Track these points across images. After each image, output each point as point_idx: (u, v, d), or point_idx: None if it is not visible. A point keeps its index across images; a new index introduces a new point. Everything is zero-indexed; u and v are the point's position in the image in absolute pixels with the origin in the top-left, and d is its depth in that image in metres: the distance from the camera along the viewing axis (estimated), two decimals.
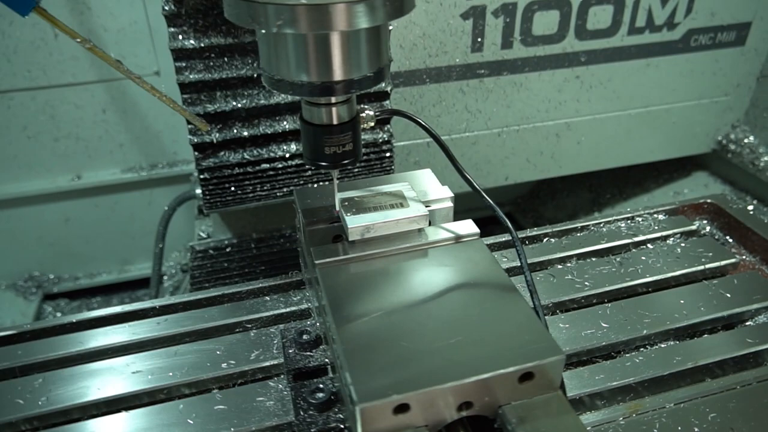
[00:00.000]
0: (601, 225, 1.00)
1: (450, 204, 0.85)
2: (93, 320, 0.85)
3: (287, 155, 1.17)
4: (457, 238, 0.79)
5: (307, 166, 1.21)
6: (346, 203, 0.80)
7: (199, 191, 1.40)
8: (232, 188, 1.17)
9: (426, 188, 0.86)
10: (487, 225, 1.62)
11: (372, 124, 0.78)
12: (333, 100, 0.70)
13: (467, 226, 0.80)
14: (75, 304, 1.69)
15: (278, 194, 1.20)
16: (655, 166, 1.78)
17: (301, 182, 1.22)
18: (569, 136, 1.55)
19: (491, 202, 0.80)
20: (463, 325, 0.66)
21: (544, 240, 0.98)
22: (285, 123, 1.17)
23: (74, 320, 0.85)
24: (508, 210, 1.98)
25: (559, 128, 1.53)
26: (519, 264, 0.91)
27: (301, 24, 0.61)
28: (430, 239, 0.78)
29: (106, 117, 1.49)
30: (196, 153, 1.14)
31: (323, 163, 0.74)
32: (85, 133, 1.50)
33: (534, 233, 0.98)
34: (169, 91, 0.90)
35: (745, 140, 1.62)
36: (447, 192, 0.85)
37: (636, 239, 0.96)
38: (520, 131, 1.51)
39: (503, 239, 0.97)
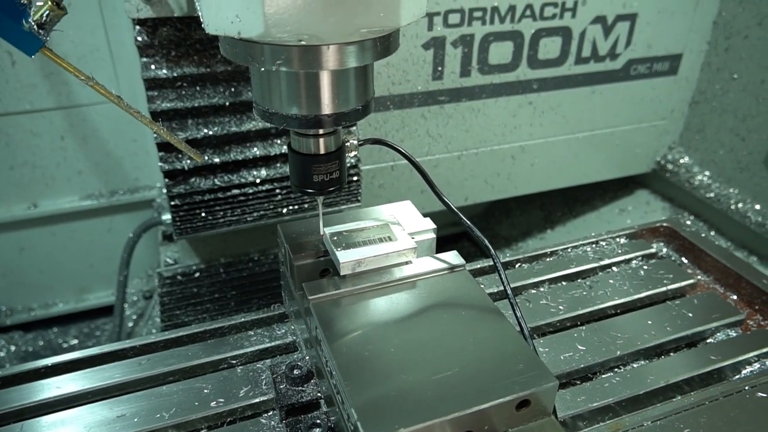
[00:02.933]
0: (569, 250, 1.02)
1: (433, 235, 0.85)
2: (69, 363, 0.80)
3: (257, 180, 1.17)
4: (444, 270, 0.79)
5: (277, 192, 1.20)
6: (335, 238, 0.79)
7: (166, 217, 1.37)
8: (203, 214, 1.16)
9: (408, 220, 0.86)
10: (447, 243, 1.63)
11: (355, 152, 0.79)
12: (321, 131, 0.72)
13: (453, 257, 0.81)
14: (30, 336, 1.60)
15: (248, 219, 1.20)
16: (601, 185, 1.84)
17: (271, 207, 1.22)
18: (523, 158, 1.59)
19: (472, 226, 0.81)
20: (459, 356, 0.67)
21: (517, 266, 1.00)
22: (255, 149, 1.17)
23: (49, 364, 0.80)
24: (464, 229, 2.00)
25: (514, 151, 1.57)
26: (498, 290, 0.93)
27: (297, 63, 0.62)
28: (419, 271, 0.78)
29: (64, 144, 1.43)
30: (167, 180, 1.12)
31: (311, 190, 0.75)
32: (42, 161, 1.43)
33: (507, 259, 0.99)
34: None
35: (681, 161, 1.70)
36: (429, 224, 0.86)
37: (602, 263, 0.99)
38: (478, 154, 1.54)
39: (479, 265, 0.98)
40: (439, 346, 0.68)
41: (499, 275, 0.78)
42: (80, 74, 0.65)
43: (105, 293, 1.67)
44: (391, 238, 0.80)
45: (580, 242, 1.04)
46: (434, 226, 0.86)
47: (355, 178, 1.28)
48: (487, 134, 1.52)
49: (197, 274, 1.31)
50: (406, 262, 0.80)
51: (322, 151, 0.73)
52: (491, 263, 0.99)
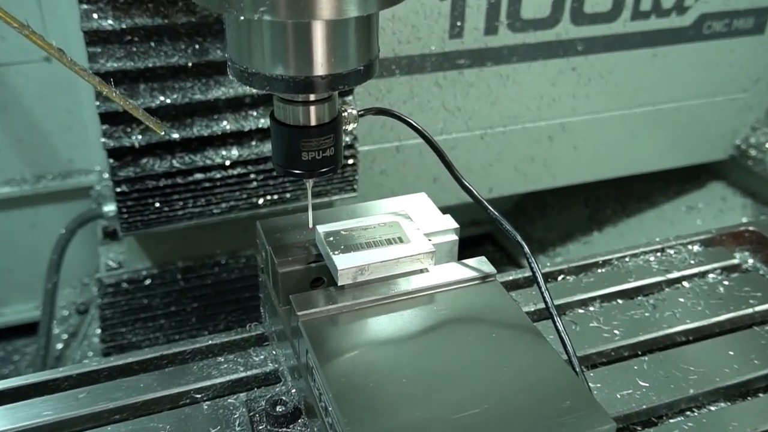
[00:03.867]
0: (626, 259, 1.03)
1: (454, 237, 0.86)
2: None
3: (227, 162, 1.17)
4: (470, 280, 0.80)
5: (252, 177, 1.20)
6: (331, 238, 0.80)
7: (108, 208, 1.37)
8: (157, 204, 1.16)
9: (423, 217, 0.86)
10: (466, 248, 1.63)
11: (355, 125, 0.81)
12: (313, 97, 0.73)
13: (481, 264, 0.82)
14: None
15: (215, 211, 1.20)
16: (662, 175, 1.83)
17: (244, 196, 1.22)
18: (564, 139, 1.58)
19: (502, 219, 0.82)
20: (489, 390, 0.67)
21: (559, 278, 0.99)
22: (225, 123, 1.17)
23: None
24: (487, 230, 2.01)
25: (552, 130, 1.57)
26: (535, 308, 0.94)
27: (285, 11, 0.63)
28: (438, 281, 0.79)
29: None
30: (112, 160, 1.12)
31: (298, 171, 0.76)
32: None
33: (547, 270, 0.99)
34: (66, 79, 0.87)
35: (767, 144, 1.71)
36: (450, 222, 0.86)
37: (669, 276, 0.99)
38: (506, 133, 1.53)
39: (510, 277, 0.98)
40: (463, 377, 0.68)
41: (539, 287, 0.78)
42: (13, 20, 0.65)
43: (26, 306, 1.66)
44: (403, 239, 0.80)
45: (641, 249, 1.04)
46: (456, 225, 0.86)
47: (350, 162, 1.28)
48: (518, 108, 1.52)
49: (148, 281, 1.30)
50: (422, 270, 0.80)
51: (313, 123, 0.74)
52: (524, 275, 0.99)
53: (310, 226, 0.83)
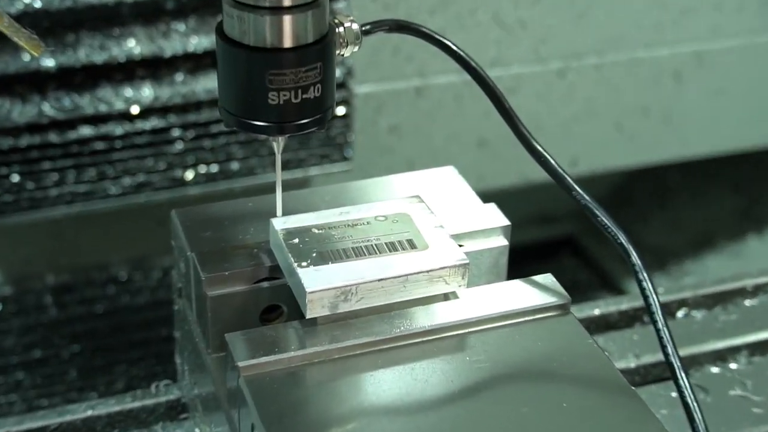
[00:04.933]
0: None
1: (503, 241, 0.87)
2: None
3: (134, 110, 1.19)
4: (528, 313, 0.80)
5: (175, 134, 1.22)
6: (297, 241, 0.80)
7: None
8: (15, 178, 1.18)
9: (451, 207, 0.88)
10: (525, 259, 1.64)
11: (356, 49, 0.84)
12: (288, 1, 0.74)
13: (546, 287, 0.82)
14: None
15: (112, 191, 1.21)
16: None
17: (162, 166, 1.24)
18: (700, 78, 1.60)
19: (604, 217, 0.82)
20: None
21: (679, 313, 1.00)
22: (132, 42, 1.18)
23: None
24: (563, 231, 2.03)
25: (680, 63, 1.58)
26: (642, 363, 0.94)
27: None
28: (475, 315, 0.79)
29: None
30: None
31: (261, 123, 0.77)
32: None
33: (666, 298, 0.99)
34: None
35: None
36: (496, 216, 0.87)
37: None
38: (601, 68, 1.55)
39: (597, 310, 0.99)
40: None
41: (655, 326, 0.78)
42: None
43: None
44: (416, 243, 0.81)
45: None
46: (506, 221, 0.87)
47: (341, 112, 1.31)
48: (622, 25, 1.54)
49: None
50: (447, 296, 0.81)
51: (287, 43, 0.75)
52: (623, 306, 0.99)
53: (278, 214, 0.84)
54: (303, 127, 0.77)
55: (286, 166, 1.29)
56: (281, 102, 0.76)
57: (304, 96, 0.76)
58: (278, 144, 0.81)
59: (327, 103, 0.78)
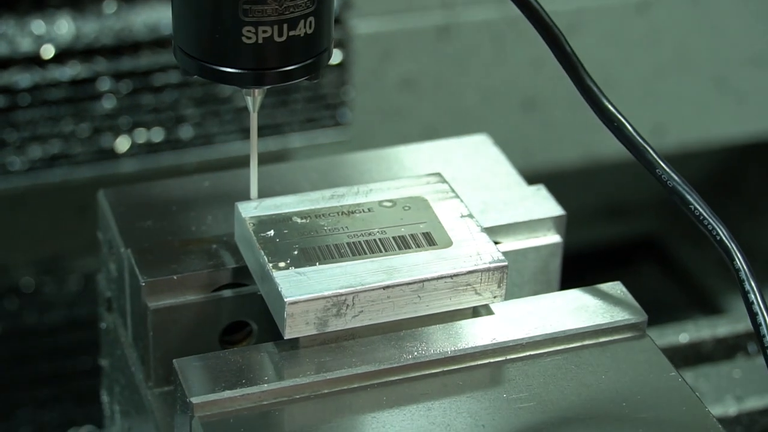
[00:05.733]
0: None
1: (555, 237, 0.89)
2: None
3: (45, 53, 1.20)
4: (588, 335, 0.82)
5: (103, 87, 1.22)
6: (271, 233, 0.82)
7: None
8: None
9: (485, 189, 0.90)
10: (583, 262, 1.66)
11: None
12: None
13: (615, 299, 0.84)
14: None
15: (16, 165, 1.23)
16: None
17: (85, 133, 1.24)
18: None
19: (701, 206, 0.82)
20: None
21: None
22: None
23: None
24: (641, 229, 2.05)
25: None
26: (743, 410, 0.96)
27: None
28: (516, 337, 0.81)
29: None
30: None
31: (234, 70, 0.78)
32: None
33: None
34: None
35: None
36: (545, 202, 0.89)
37: None
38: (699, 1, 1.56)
39: (688, 337, 1.00)
40: None
41: (766, 359, 0.78)
42: None
43: None
44: (435, 238, 0.83)
45: None
46: (560, 210, 0.89)
47: (335, 61, 1.33)
48: None
49: None
50: (477, 310, 0.83)
51: None
52: (719, 330, 1.00)
53: (252, 196, 0.85)
54: (289, 76, 0.78)
55: (261, 132, 1.29)
56: (260, 40, 0.76)
57: (290, 33, 0.77)
58: (254, 100, 0.82)
59: (322, 44, 0.79)
